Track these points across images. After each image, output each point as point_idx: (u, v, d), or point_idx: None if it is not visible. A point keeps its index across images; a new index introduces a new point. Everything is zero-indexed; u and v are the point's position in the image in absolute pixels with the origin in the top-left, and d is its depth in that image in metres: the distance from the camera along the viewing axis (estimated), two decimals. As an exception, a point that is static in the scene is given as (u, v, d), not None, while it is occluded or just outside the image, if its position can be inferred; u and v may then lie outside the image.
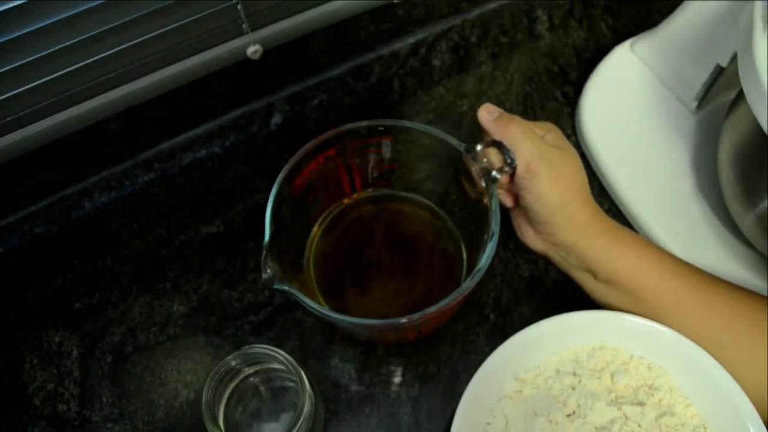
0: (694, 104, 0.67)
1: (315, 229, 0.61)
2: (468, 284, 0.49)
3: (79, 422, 0.58)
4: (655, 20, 0.71)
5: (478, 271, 0.49)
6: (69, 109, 0.61)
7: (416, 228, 0.63)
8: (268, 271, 0.48)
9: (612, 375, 0.53)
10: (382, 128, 0.56)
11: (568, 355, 0.55)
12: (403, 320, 0.48)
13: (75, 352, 0.61)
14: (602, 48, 0.75)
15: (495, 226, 0.51)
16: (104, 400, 0.59)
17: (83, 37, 0.55)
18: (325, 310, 0.48)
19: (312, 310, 0.48)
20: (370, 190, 0.63)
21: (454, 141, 0.55)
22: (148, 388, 0.59)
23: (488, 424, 0.52)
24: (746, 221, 0.60)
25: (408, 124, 0.56)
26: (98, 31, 0.56)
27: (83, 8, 0.53)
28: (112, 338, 0.61)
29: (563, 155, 0.54)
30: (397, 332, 0.55)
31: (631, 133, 0.69)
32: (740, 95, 0.58)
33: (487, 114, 0.55)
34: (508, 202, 0.57)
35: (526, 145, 0.52)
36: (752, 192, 0.57)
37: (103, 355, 0.60)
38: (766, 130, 0.49)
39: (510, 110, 0.59)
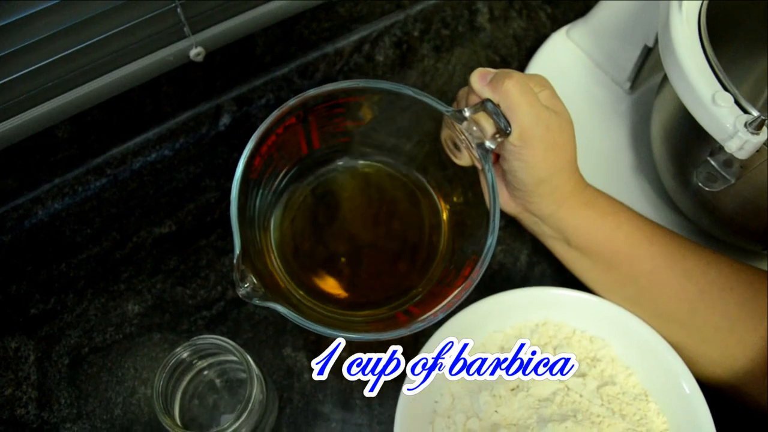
0: (628, 85, 0.69)
1: (273, 201, 0.56)
2: (473, 280, 0.46)
3: (37, 425, 0.59)
4: (592, 6, 0.73)
5: (481, 263, 0.46)
6: (15, 117, 0.61)
7: (387, 192, 0.59)
8: (246, 286, 0.43)
9: (555, 349, 0.55)
10: (348, 92, 0.50)
11: (512, 332, 0.56)
12: (404, 330, 0.44)
13: (32, 357, 0.61)
14: (542, 36, 0.77)
15: (495, 210, 0.47)
16: (62, 401, 0.59)
17: (24, 44, 0.56)
18: (319, 327, 0.44)
19: (305, 326, 0.44)
20: (332, 142, 0.57)
21: (438, 104, 0.49)
22: (105, 387, 0.60)
23: (436, 402, 0.54)
24: (681, 196, 0.62)
25: (384, 85, 0.50)
26: (40, 37, 0.56)
27: (24, 14, 0.54)
28: (68, 341, 0.62)
29: (560, 122, 0.51)
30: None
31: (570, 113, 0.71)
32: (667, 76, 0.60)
33: (481, 79, 0.50)
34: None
35: (525, 108, 0.48)
36: (683, 168, 0.59)
37: (60, 357, 0.61)
38: (686, 106, 0.51)
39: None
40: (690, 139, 0.57)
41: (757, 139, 0.48)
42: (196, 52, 0.65)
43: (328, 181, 0.58)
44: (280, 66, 0.75)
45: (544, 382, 0.53)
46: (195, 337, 0.51)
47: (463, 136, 0.49)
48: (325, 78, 0.75)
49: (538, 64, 0.73)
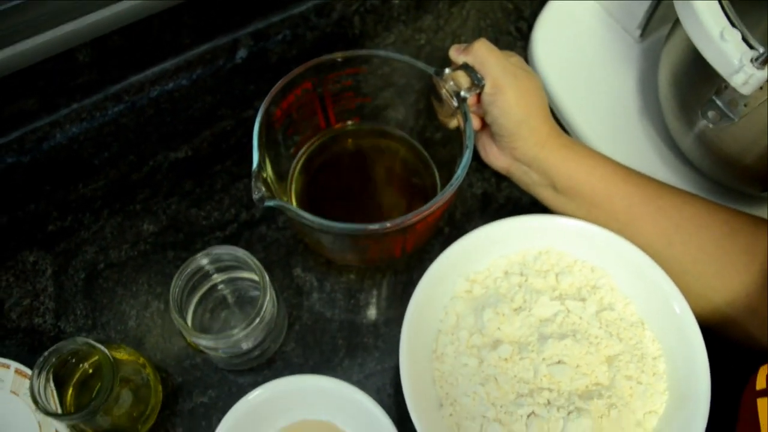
0: (638, 33, 0.71)
1: (294, 165, 0.64)
2: (448, 191, 0.52)
3: (54, 333, 0.61)
4: (605, -43, 0.74)
5: (457, 178, 0.53)
6: (36, 36, 0.63)
7: (392, 158, 0.67)
8: (256, 193, 0.50)
9: (557, 275, 0.57)
10: (356, 58, 0.59)
11: (516, 259, 0.58)
12: (388, 224, 0.50)
13: (49, 270, 0.63)
14: (555, -14, 0.78)
15: (469, 139, 0.54)
16: (78, 312, 0.61)
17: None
18: (316, 218, 0.50)
19: (304, 220, 0.50)
20: (344, 124, 0.66)
21: (424, 66, 0.58)
22: (119, 301, 0.62)
23: (441, 321, 0.56)
24: (686, 141, 0.64)
25: (382, 53, 0.59)
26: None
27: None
28: (84, 256, 0.64)
29: (527, 74, 0.58)
30: (383, 245, 0.57)
31: (580, 63, 0.72)
32: (677, 22, 0.62)
33: (456, 50, 0.60)
34: (475, 123, 0.60)
35: (493, 61, 0.56)
36: (688, 109, 0.61)
37: (76, 272, 0.63)
38: (695, 43, 0.53)
39: (465, 42, 0.62)
40: (697, 79, 0.58)
41: (762, 74, 0.50)
42: (217, -18, 0.67)
43: (343, 147, 0.66)
44: (298, 3, 0.76)
45: (546, 304, 0.55)
46: (213, 246, 0.53)
47: (444, 90, 0.57)
48: (340, 18, 0.76)
49: (551, 12, 0.74)
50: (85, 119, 0.70)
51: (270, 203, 0.50)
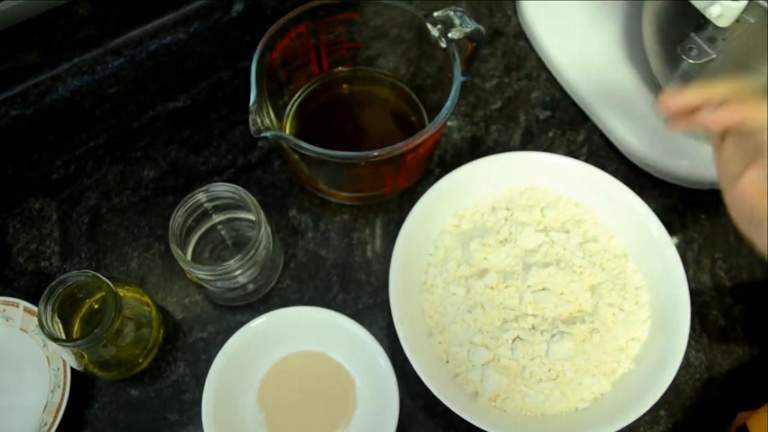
0: (624, -20, 0.72)
1: (287, 110, 0.66)
2: (437, 121, 0.54)
3: (60, 275, 0.63)
4: None
5: (446, 109, 0.54)
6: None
7: (384, 103, 0.69)
8: (254, 125, 0.52)
9: (542, 209, 0.59)
10: (348, 3, 0.60)
11: (503, 195, 0.60)
12: (376, 153, 0.53)
13: (54, 216, 0.66)
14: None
15: (456, 78, 0.56)
16: (82, 255, 0.64)
17: None
18: (312, 147, 0.52)
19: (300, 150, 0.52)
20: (337, 69, 0.68)
21: (414, 11, 0.60)
22: (122, 243, 0.64)
23: (430, 255, 0.58)
24: (668, 79, 0.65)
25: None
26: None
27: None
28: (88, 202, 0.66)
29: None
30: (375, 177, 0.60)
31: (567, 9, 0.74)
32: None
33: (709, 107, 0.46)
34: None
35: None
36: (672, 52, 0.63)
37: (80, 216, 0.65)
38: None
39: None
40: (678, 19, 0.60)
41: (737, 5, 0.51)
42: (211, -66, 0.68)
43: (336, 93, 0.69)
44: (292, -43, 0.77)
45: (531, 235, 0.57)
46: (210, 183, 0.55)
47: (432, 33, 0.58)
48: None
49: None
50: (86, 73, 0.72)
51: (267, 134, 0.52)
